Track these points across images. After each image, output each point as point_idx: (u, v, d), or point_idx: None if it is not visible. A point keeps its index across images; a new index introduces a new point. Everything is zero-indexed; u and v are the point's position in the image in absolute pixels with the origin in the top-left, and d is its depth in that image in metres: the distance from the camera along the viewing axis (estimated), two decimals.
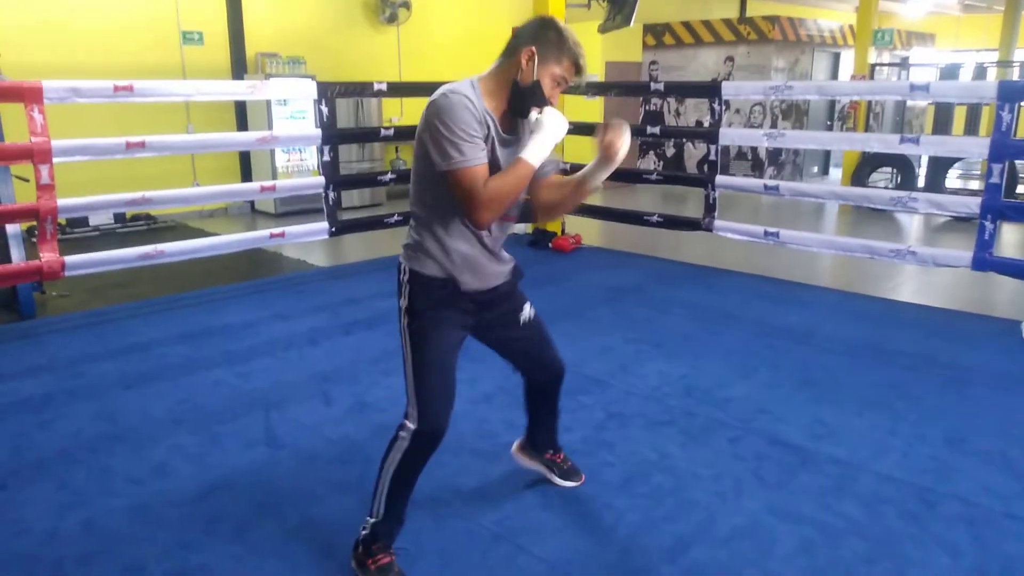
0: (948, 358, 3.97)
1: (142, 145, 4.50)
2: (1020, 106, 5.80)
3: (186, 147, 4.99)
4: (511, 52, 2.06)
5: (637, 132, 8.60)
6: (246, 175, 8.64)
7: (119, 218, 7.52)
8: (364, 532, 2.24)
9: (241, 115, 8.47)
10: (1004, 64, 11.09)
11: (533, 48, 2.02)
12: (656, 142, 11.81)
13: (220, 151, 8.15)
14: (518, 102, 2.04)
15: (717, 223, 5.62)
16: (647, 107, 11.81)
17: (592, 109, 10.10)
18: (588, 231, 7.04)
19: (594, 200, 8.32)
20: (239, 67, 8.38)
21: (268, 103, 8.01)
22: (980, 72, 10.17)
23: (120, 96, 4.40)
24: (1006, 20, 12.34)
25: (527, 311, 2.36)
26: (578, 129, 6.72)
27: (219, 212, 8.54)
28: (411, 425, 2.12)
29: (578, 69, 2.07)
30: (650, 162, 11.91)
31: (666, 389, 3.57)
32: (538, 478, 2.75)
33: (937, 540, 2.40)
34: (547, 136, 1.98)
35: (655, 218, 6.02)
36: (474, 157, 1.94)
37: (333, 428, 3.16)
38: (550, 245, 6.66)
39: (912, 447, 3.01)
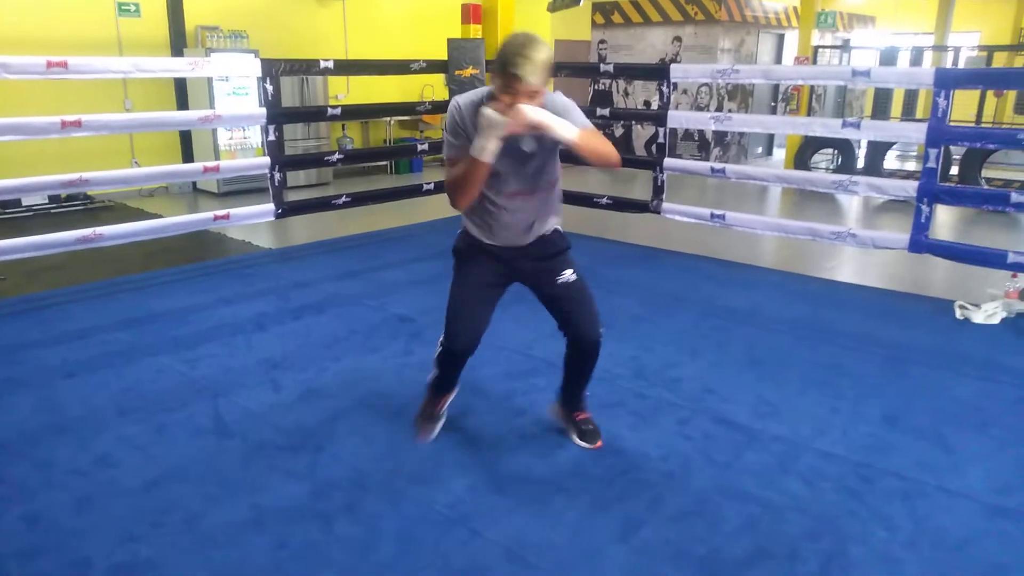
0: (886, 337, 4.11)
1: (78, 124, 4.34)
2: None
3: (124, 126, 4.81)
4: None
5: (587, 114, 8.65)
6: (187, 153, 8.40)
7: (54, 198, 7.24)
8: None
9: (181, 91, 8.22)
10: (939, 48, 11.41)
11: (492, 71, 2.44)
12: (605, 123, 11.85)
13: (163, 131, 7.91)
14: None
15: (665, 205, 5.69)
16: (596, 87, 11.83)
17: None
18: None
19: None
20: (178, 41, 8.12)
21: (210, 79, 7.78)
22: (917, 56, 10.46)
23: (54, 73, 4.23)
24: (941, 4, 12.68)
25: (567, 275, 2.70)
26: None
27: (159, 191, 8.30)
28: (441, 340, 2.71)
29: (507, 78, 2.28)
30: None
31: (617, 371, 3.62)
32: (490, 462, 2.78)
33: (875, 514, 2.50)
34: (481, 134, 2.33)
35: (604, 200, 6.07)
36: (448, 155, 2.54)
37: (283, 415, 3.13)
38: None
39: (852, 424, 3.11)
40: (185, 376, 3.51)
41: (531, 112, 2.27)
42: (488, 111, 2.29)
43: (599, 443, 2.90)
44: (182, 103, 8.21)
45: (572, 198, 6.73)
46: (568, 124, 2.35)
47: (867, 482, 2.69)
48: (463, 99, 2.50)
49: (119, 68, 4.71)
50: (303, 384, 3.43)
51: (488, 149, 2.33)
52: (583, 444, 2.90)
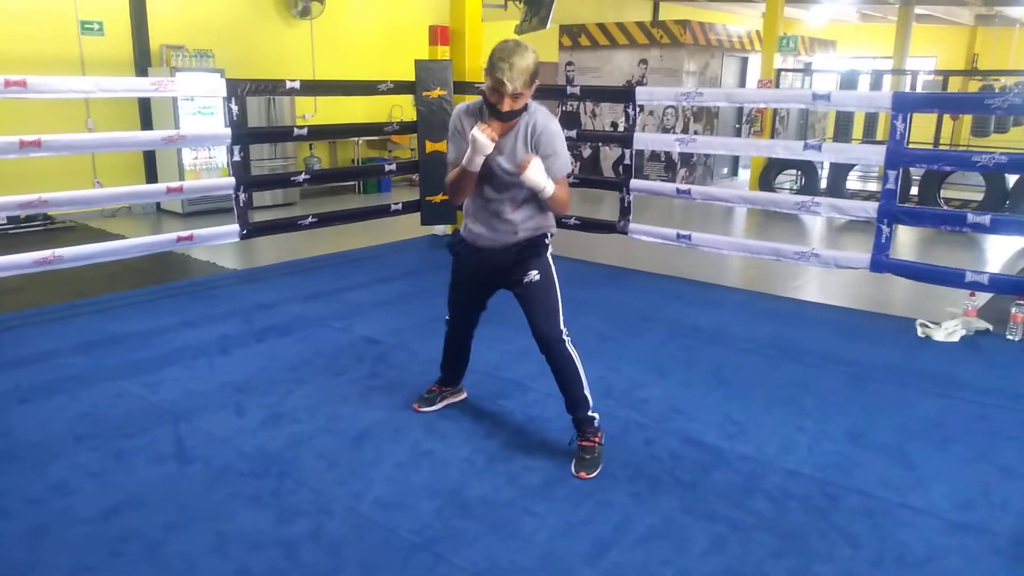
0: (850, 355, 4.17)
1: (37, 144, 4.25)
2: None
3: (85, 146, 4.73)
4: None
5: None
6: (151, 173, 8.28)
7: (12, 218, 7.09)
8: None
9: (145, 110, 8.12)
10: (898, 72, 11.71)
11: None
12: (573, 144, 11.94)
13: (126, 151, 7.80)
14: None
15: (632, 226, 5.74)
16: (564, 108, 11.93)
17: None
18: None
19: None
20: (143, 60, 8.03)
21: (175, 99, 7.70)
22: (877, 79, 10.71)
23: (12, 92, 4.15)
24: (899, 30, 13.06)
25: (532, 275, 2.87)
26: None
27: (122, 212, 8.16)
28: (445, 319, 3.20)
29: (493, 81, 2.57)
30: None
31: None
32: (457, 485, 2.75)
33: (840, 532, 2.52)
34: (471, 150, 2.64)
35: (572, 221, 6.10)
36: (448, 158, 2.89)
37: (246, 440, 3.07)
38: None
39: (817, 443, 3.14)
40: (145, 401, 3.43)
41: (532, 172, 2.63)
42: (477, 135, 2.59)
43: (582, 474, 2.82)
44: (146, 122, 8.11)
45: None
46: (546, 181, 2.68)
47: (832, 500, 2.71)
48: (461, 107, 2.85)
49: (80, 88, 4.65)
50: (267, 408, 3.37)
51: (475, 162, 2.67)
52: (572, 470, 2.86)
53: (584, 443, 2.92)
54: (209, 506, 2.60)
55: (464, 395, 3.47)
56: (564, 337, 2.88)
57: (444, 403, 3.38)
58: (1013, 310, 4.47)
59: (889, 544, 2.46)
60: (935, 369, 4.00)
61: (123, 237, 5.42)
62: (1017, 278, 5.04)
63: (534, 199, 2.82)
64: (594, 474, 2.83)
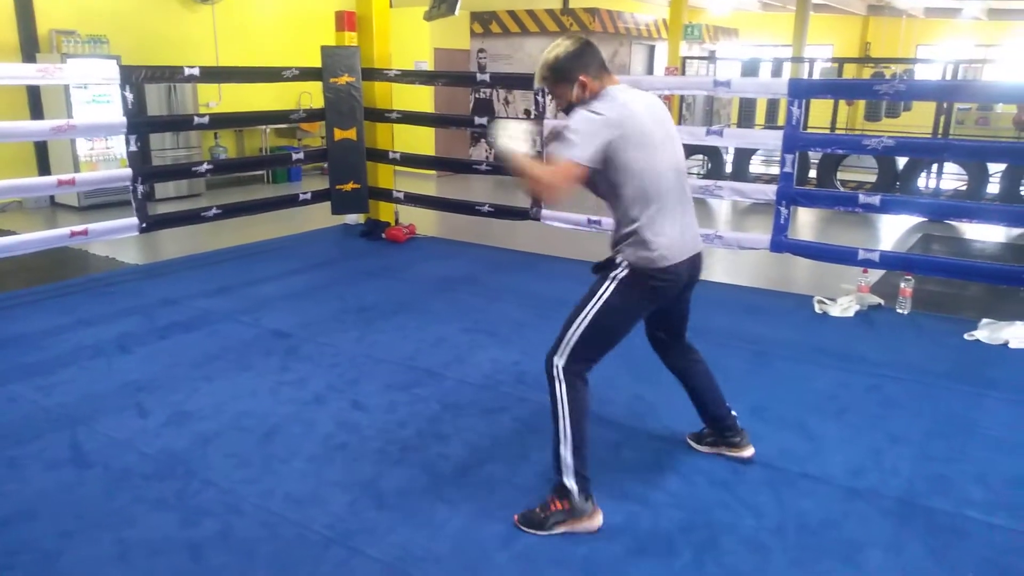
0: (753, 333, 4.33)
1: None
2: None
3: None
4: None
5: (466, 123, 8.68)
6: (43, 165, 7.84)
7: None
8: None
9: (35, 99, 7.67)
10: (797, 60, 12.16)
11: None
12: (484, 132, 11.93)
13: (9, 141, 7.35)
14: None
15: (544, 212, 5.79)
16: (476, 95, 11.90)
17: (423, 97, 10.05)
18: (422, 221, 7.02)
19: (427, 190, 8.31)
20: (30, 46, 7.58)
21: (66, 87, 7.30)
22: (778, 67, 11.10)
23: None
24: (798, 19, 13.56)
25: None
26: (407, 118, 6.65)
27: (12, 207, 7.71)
28: None
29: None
30: (482, 151, 12.03)
31: (499, 377, 3.64)
32: (371, 477, 2.73)
33: (744, 503, 2.62)
34: None
35: (486, 208, 6.11)
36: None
37: (149, 441, 2.96)
38: (383, 235, 6.58)
39: None
40: (38, 404, 3.27)
41: (501, 142, 2.31)
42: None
43: (515, 517, 2.48)
44: (36, 112, 7.66)
45: (455, 206, 6.76)
46: (516, 146, 2.29)
47: (736, 473, 2.81)
48: None
49: None
50: (172, 407, 3.26)
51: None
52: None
53: (540, 504, 2.47)
54: (109, 512, 2.50)
55: (747, 447, 2.92)
56: (557, 367, 2.43)
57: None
58: (902, 285, 4.72)
59: (790, 512, 2.57)
60: (831, 343, 4.20)
61: (14, 233, 5.12)
62: (905, 255, 5.34)
63: (617, 208, 2.49)
64: (528, 529, 2.43)
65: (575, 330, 2.42)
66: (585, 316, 2.42)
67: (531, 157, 2.29)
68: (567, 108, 2.48)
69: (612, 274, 2.46)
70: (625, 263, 2.45)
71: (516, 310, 4.63)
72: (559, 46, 2.46)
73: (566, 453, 2.41)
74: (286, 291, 5.01)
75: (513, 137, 2.29)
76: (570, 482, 2.41)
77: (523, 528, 2.44)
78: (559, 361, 2.43)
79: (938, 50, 16.64)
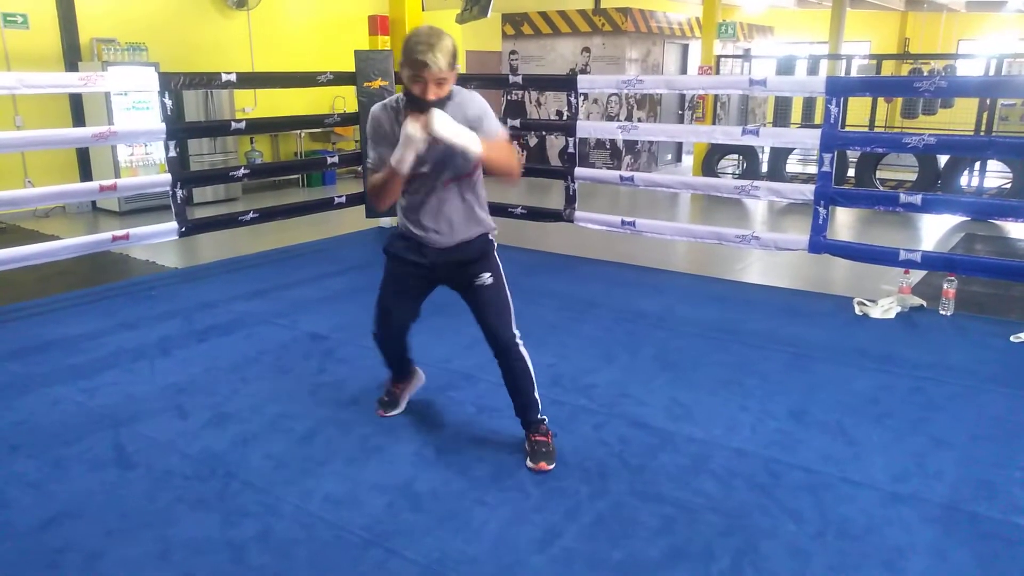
0: (791, 335, 4.27)
1: None
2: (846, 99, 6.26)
3: (12, 145, 4.57)
4: None
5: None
6: (85, 171, 8.03)
7: None
8: None
9: (77, 107, 7.85)
10: (833, 57, 11.97)
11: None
12: (517, 134, 11.95)
13: (54, 148, 7.53)
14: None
15: (578, 214, 5.77)
16: (508, 97, 11.92)
17: None
18: None
19: None
20: (72, 54, 7.76)
21: (107, 94, 7.46)
22: (814, 64, 10.94)
23: None
24: (834, 15, 13.33)
25: (484, 278, 2.79)
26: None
27: (56, 211, 7.90)
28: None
29: (413, 63, 2.40)
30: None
31: None
32: (407, 479, 2.74)
33: (783, 508, 2.58)
34: (401, 147, 2.44)
35: (519, 210, 6.11)
36: (368, 163, 2.75)
37: (189, 442, 3.01)
38: None
39: (760, 422, 3.21)
40: (83, 406, 3.34)
41: (438, 125, 2.37)
42: (408, 128, 2.40)
43: (541, 464, 2.79)
44: (78, 119, 7.84)
45: (488, 209, 6.75)
46: (473, 137, 2.44)
47: (776, 477, 2.78)
48: (377, 107, 2.68)
49: (3, 84, 4.47)
50: (211, 409, 3.31)
51: (406, 161, 2.46)
52: (528, 464, 2.82)
53: (539, 438, 2.88)
54: (152, 512, 2.55)
55: (422, 377, 3.37)
56: (518, 340, 2.83)
57: (406, 399, 3.31)
58: (945, 286, 4.62)
59: (831, 518, 2.53)
60: (872, 346, 4.12)
61: (57, 238, 5.24)
62: (947, 255, 5.22)
63: (471, 195, 2.76)
64: (553, 465, 2.80)
65: (508, 304, 2.84)
66: (506, 290, 2.85)
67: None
68: (436, 103, 2.44)
69: (494, 249, 2.86)
70: (492, 235, 2.86)
71: (550, 313, 4.62)
72: (444, 33, 2.45)
73: (537, 395, 2.89)
74: (322, 294, 5.06)
75: (450, 127, 2.40)
76: (543, 415, 2.94)
77: (552, 467, 2.80)
78: (516, 332, 2.83)
79: (981, 45, 16.26)
